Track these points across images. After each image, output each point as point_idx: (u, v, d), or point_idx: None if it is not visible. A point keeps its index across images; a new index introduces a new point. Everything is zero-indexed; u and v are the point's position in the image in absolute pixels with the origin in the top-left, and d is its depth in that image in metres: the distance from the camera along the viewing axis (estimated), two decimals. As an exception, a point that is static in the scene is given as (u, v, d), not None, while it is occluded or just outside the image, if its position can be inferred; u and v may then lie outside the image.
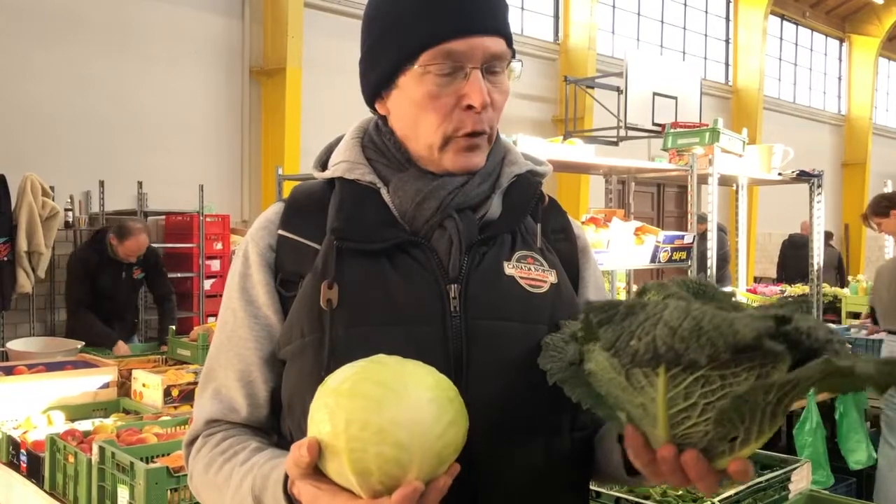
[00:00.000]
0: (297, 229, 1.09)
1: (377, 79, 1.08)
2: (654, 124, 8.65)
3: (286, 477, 0.89)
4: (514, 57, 1.07)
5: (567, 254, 1.16)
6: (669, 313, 0.77)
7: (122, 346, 4.62)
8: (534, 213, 1.14)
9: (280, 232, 1.10)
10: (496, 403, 0.99)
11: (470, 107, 1.02)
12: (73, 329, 4.96)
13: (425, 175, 1.07)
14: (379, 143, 1.11)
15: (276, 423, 1.10)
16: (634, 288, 5.91)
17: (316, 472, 0.82)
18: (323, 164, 1.16)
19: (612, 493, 2.06)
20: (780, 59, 17.06)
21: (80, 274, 5.01)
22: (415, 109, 1.04)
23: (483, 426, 0.97)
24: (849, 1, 17.31)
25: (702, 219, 6.06)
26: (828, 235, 11.71)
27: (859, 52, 18.45)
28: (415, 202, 1.06)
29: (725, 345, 0.74)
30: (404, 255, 1.04)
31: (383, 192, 1.08)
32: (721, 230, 5.62)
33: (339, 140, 1.18)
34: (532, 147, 3.83)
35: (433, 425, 0.79)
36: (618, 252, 3.97)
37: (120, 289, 5.04)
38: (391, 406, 0.78)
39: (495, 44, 1.03)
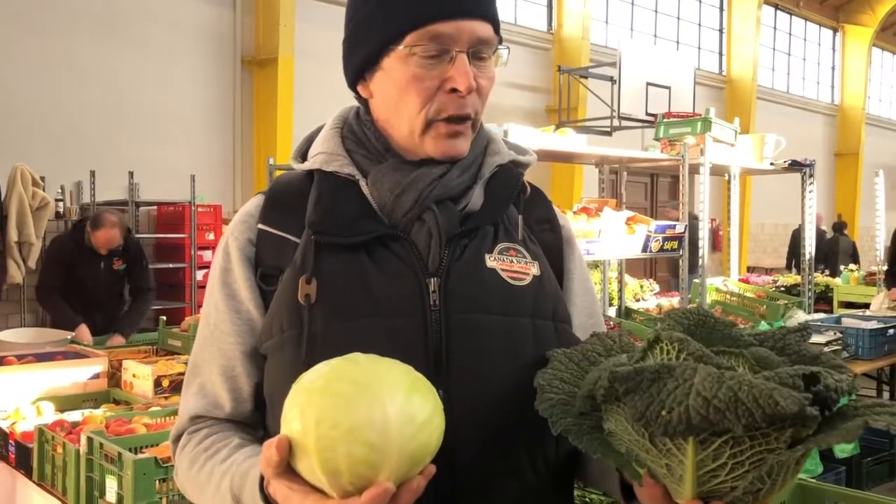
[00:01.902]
0: (277, 223, 1.07)
1: (361, 59, 1.06)
2: (647, 114, 8.65)
3: (262, 476, 0.87)
4: (500, 43, 1.06)
5: (551, 245, 1.14)
6: (701, 382, 0.76)
7: (83, 331, 4.52)
8: (516, 204, 1.12)
9: (260, 226, 1.08)
10: (477, 398, 0.98)
11: (454, 90, 1.00)
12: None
13: (404, 166, 1.05)
14: (359, 132, 1.09)
15: (261, 418, 1.09)
16: (627, 278, 5.91)
17: (289, 470, 0.81)
18: (303, 155, 1.14)
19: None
20: (774, 49, 17.05)
21: (53, 259, 4.87)
22: (398, 92, 1.02)
23: (464, 421, 0.95)
24: (842, -10, 17.32)
25: (675, 207, 6.14)
26: (842, 225, 12.08)
27: (853, 42, 18.45)
28: (393, 194, 1.04)
29: (764, 416, 0.73)
30: (383, 249, 1.02)
31: (362, 183, 1.07)
32: (692, 218, 5.64)
33: (319, 130, 1.15)
34: (523, 136, 3.82)
35: (406, 426, 0.78)
36: (609, 242, 3.97)
37: (100, 279, 4.89)
38: (363, 405, 0.77)
39: (483, 28, 1.01)
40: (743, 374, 0.76)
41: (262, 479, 0.88)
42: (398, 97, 1.02)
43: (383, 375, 0.80)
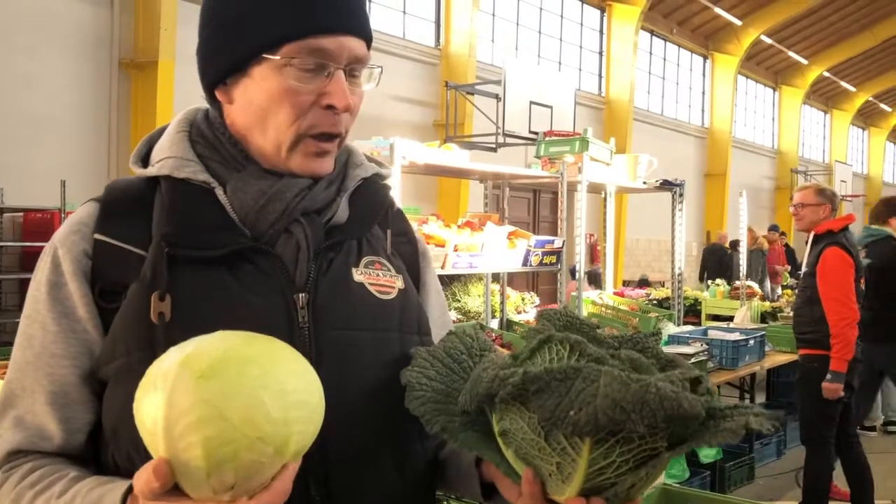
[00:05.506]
0: (117, 233, 0.98)
1: (227, 64, 0.99)
2: (530, 132, 8.85)
3: (125, 496, 0.82)
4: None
5: (409, 257, 1.14)
6: (609, 384, 0.78)
7: None
8: (383, 218, 1.12)
9: (97, 236, 0.98)
10: (348, 414, 0.95)
11: (330, 107, 0.97)
12: None
13: (267, 175, 1.00)
14: (211, 137, 1.03)
15: (94, 451, 0.98)
16: (509, 291, 6.04)
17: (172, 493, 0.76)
18: (143, 160, 1.05)
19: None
20: (650, 73, 17.91)
21: None
22: (268, 102, 0.97)
23: (335, 435, 0.92)
24: (712, 20, 18.38)
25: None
26: (736, 243, 13.11)
27: (721, 70, 19.63)
28: (258, 205, 0.98)
29: (665, 417, 0.77)
30: (246, 263, 0.97)
31: (219, 192, 0.99)
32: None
33: (160, 133, 1.07)
34: (408, 150, 3.85)
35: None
36: (491, 255, 4.05)
37: None
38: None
39: (360, 46, 0.99)
40: (649, 379, 0.79)
41: (124, 499, 0.82)
42: (268, 108, 0.97)
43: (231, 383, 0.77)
